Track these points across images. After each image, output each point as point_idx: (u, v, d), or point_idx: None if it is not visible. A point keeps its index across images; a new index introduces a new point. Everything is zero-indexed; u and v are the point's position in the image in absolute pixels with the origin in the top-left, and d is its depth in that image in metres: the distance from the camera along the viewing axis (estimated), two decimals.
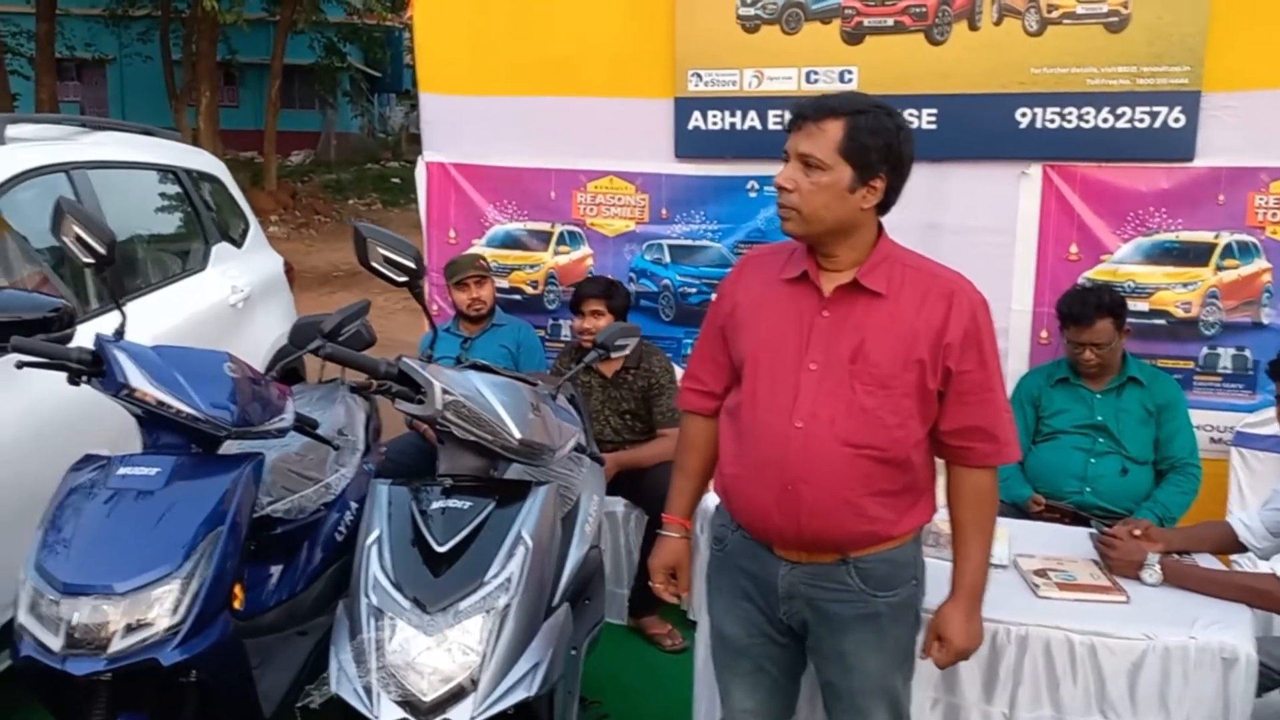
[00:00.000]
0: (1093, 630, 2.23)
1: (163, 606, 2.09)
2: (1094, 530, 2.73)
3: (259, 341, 4.29)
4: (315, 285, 11.80)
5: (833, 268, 1.96)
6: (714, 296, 2.20)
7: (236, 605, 2.29)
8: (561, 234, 4.33)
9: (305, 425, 2.68)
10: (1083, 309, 3.29)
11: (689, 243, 4.17)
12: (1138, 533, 2.57)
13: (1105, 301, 3.30)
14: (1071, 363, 3.41)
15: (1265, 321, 3.57)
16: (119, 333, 2.37)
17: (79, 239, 2.31)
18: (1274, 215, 3.52)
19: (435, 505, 2.19)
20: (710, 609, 2.19)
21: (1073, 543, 2.72)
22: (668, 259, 4.20)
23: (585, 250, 4.31)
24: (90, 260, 2.35)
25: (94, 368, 2.30)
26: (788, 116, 1.93)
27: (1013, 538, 2.65)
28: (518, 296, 4.41)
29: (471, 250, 4.33)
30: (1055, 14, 3.61)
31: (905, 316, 1.91)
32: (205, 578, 2.14)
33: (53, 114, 8.21)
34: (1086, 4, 3.57)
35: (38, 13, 16.95)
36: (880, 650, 2.01)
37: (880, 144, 1.86)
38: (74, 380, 2.33)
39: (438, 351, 4.16)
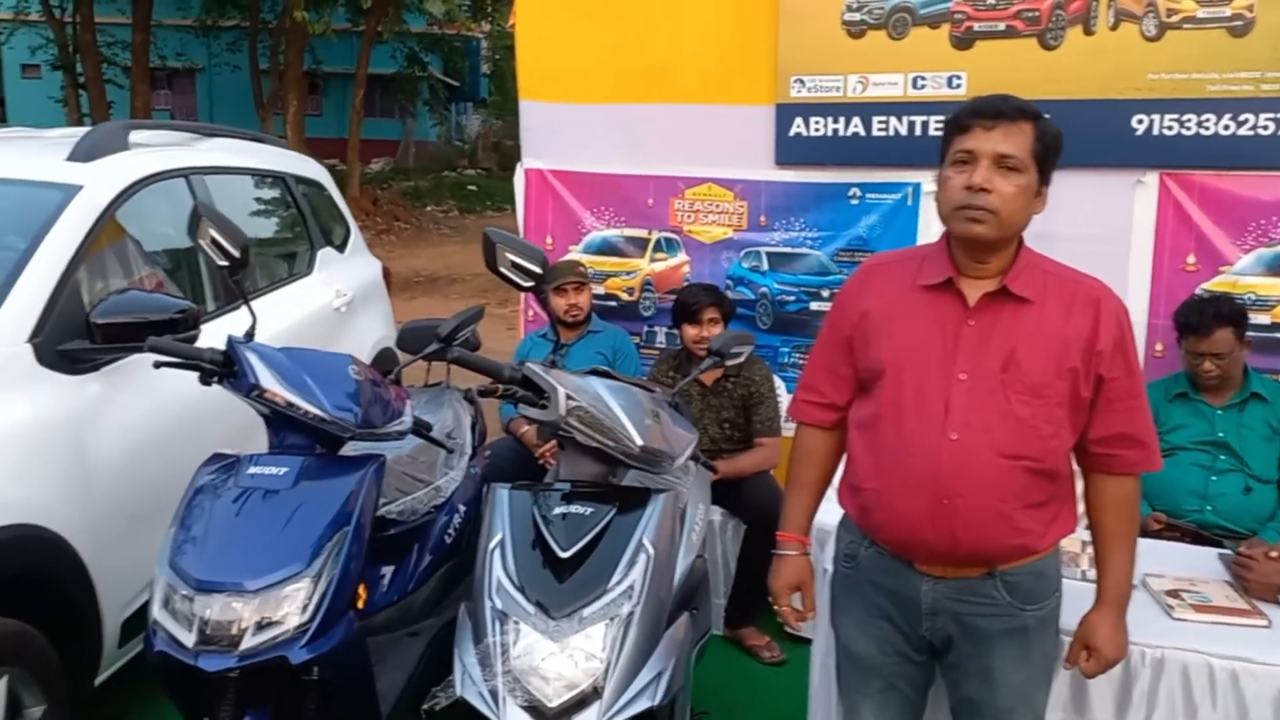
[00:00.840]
0: (1234, 655, 2.14)
1: (292, 605, 2.11)
2: (1226, 551, 2.63)
3: (360, 344, 4.35)
4: (397, 291, 11.85)
5: (978, 275, 1.92)
6: (833, 306, 2.13)
7: (360, 605, 2.31)
8: (658, 241, 4.32)
9: (421, 428, 2.70)
10: (1200, 318, 3.22)
11: (788, 250, 4.14)
12: (1275, 554, 2.48)
13: (1224, 311, 3.22)
14: (1190, 376, 3.31)
15: None
16: (249, 334, 2.42)
17: (215, 242, 2.37)
18: None
19: (557, 510, 2.19)
20: (838, 627, 2.14)
21: (1201, 563, 2.62)
22: (766, 266, 4.17)
23: (682, 257, 4.30)
24: (225, 263, 2.40)
25: (225, 368, 2.35)
26: (962, 116, 1.87)
27: (1139, 557, 2.56)
28: (613, 303, 4.41)
29: (570, 257, 4.35)
30: (1175, 18, 3.51)
31: (1054, 324, 1.88)
32: (333, 577, 2.17)
33: (170, 120, 8.45)
34: (1208, 7, 3.46)
35: (134, 23, 17.54)
36: (1026, 664, 1.97)
37: (1056, 150, 1.89)
38: (205, 380, 2.38)
39: (532, 357, 4.26)
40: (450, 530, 2.97)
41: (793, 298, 4.15)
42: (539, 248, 2.21)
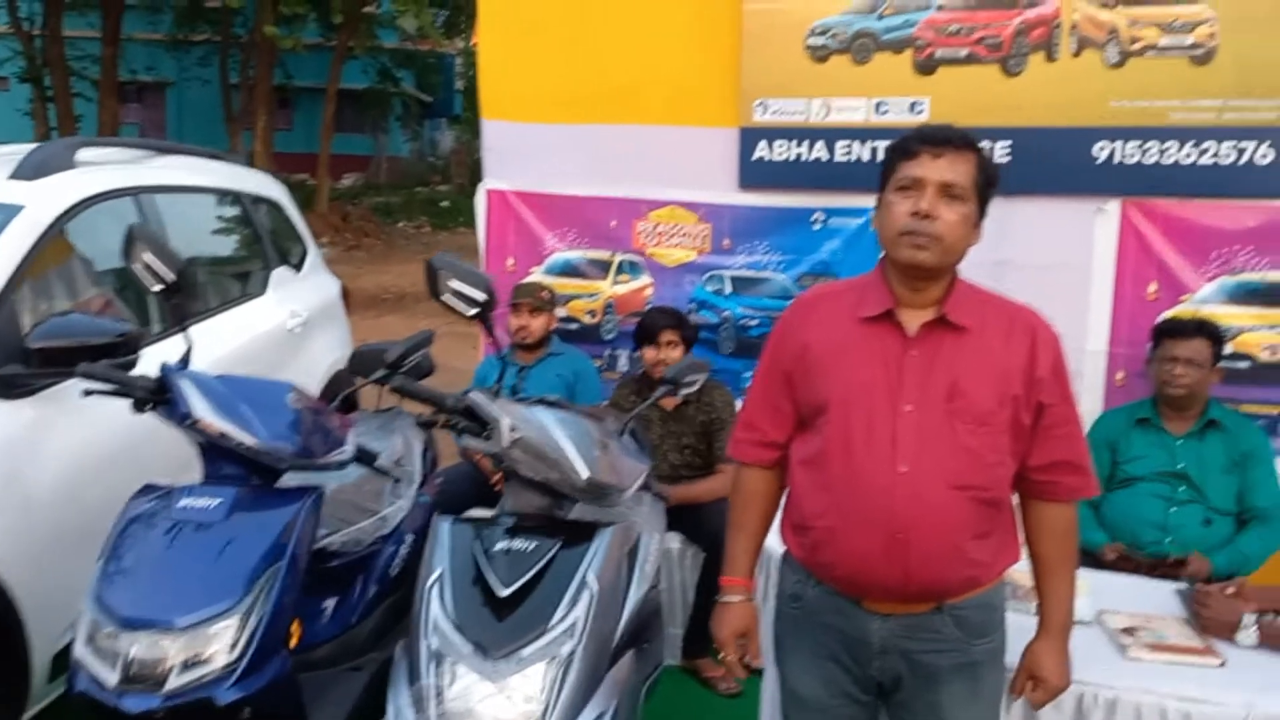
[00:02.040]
0: (1188, 695, 2.10)
1: (221, 643, 2.04)
2: (1183, 587, 2.60)
3: (314, 366, 4.27)
4: (364, 308, 11.84)
5: (916, 304, 1.90)
6: (771, 341, 2.08)
7: (293, 642, 2.23)
8: (621, 263, 4.27)
9: (365, 457, 2.63)
10: (1182, 324, 3.26)
11: (751, 274, 4.10)
12: (1231, 590, 2.45)
13: (1208, 326, 3.24)
14: (1157, 396, 3.29)
15: None
16: (184, 360, 2.34)
17: (148, 266, 2.29)
18: None
19: (499, 546, 2.13)
20: (784, 668, 2.08)
21: (1158, 599, 2.59)
22: (729, 290, 4.13)
23: (645, 280, 4.25)
24: (159, 287, 2.32)
25: (158, 396, 2.27)
26: (909, 143, 1.85)
27: (1095, 591, 2.53)
28: (575, 325, 4.36)
29: (533, 279, 4.29)
30: (1137, 46, 3.50)
31: (994, 351, 1.87)
32: (264, 614, 2.09)
33: (123, 138, 8.33)
34: (1170, 35, 3.46)
35: (103, 37, 17.37)
36: (976, 701, 1.93)
37: (995, 181, 1.88)
38: (138, 408, 2.29)
39: (492, 378, 4.20)
40: (397, 561, 2.89)
41: (756, 322, 4.11)
42: (485, 274, 2.15)
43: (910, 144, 1.85)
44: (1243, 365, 3.52)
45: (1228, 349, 3.45)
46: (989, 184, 1.87)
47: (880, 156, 1.95)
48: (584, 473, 2.15)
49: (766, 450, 2.06)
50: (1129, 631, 2.32)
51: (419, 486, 3.06)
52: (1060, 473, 1.94)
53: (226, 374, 2.38)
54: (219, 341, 3.57)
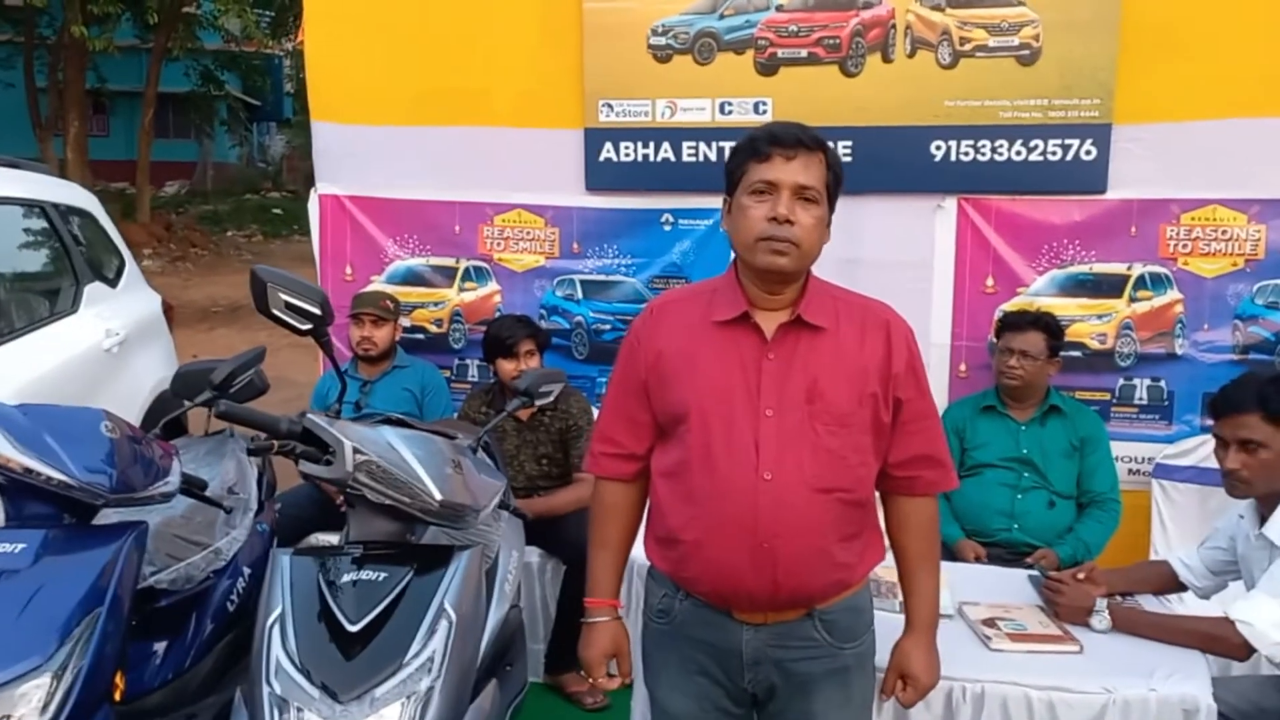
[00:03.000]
0: (1050, 685, 2.13)
1: (29, 705, 1.82)
2: (1035, 574, 2.66)
3: (137, 388, 3.97)
4: (194, 321, 11.23)
5: (771, 306, 1.86)
6: (623, 351, 2.01)
7: (117, 695, 2.02)
8: (467, 270, 4.13)
9: (192, 487, 2.42)
10: (1020, 317, 3.38)
11: (602, 278, 4.02)
12: (1082, 577, 2.51)
13: (1044, 319, 3.36)
14: (998, 386, 3.39)
15: (1179, 352, 3.59)
16: None
17: None
18: (1185, 247, 3.56)
19: (346, 578, 1.97)
20: (654, 686, 2.00)
21: (1013, 586, 2.64)
22: (580, 295, 4.04)
23: (493, 286, 4.12)
24: None
25: None
26: (760, 144, 1.80)
27: (953, 585, 2.55)
28: (421, 336, 4.19)
29: (374, 288, 4.10)
30: (967, 47, 3.60)
31: (850, 350, 1.85)
32: (81, 668, 1.88)
33: None
34: (998, 37, 3.57)
35: None
36: (847, 706, 1.91)
37: (842, 181, 1.86)
38: None
39: (333, 396, 3.98)
40: (234, 596, 2.68)
41: (608, 326, 4.04)
42: (317, 286, 1.99)
43: (761, 145, 1.80)
44: (1076, 354, 3.65)
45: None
46: (838, 183, 1.85)
47: (727, 157, 1.90)
48: (437, 495, 2.02)
49: (626, 463, 1.98)
50: (990, 623, 2.34)
51: (256, 514, 2.85)
52: (920, 467, 1.93)
53: (28, 403, 2.14)
54: (24, 366, 3.26)
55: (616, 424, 1.98)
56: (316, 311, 1.97)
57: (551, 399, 2.55)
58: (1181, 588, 2.56)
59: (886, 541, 2.01)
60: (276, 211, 21.78)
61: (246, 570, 2.75)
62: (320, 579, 1.97)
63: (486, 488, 2.28)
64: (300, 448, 1.97)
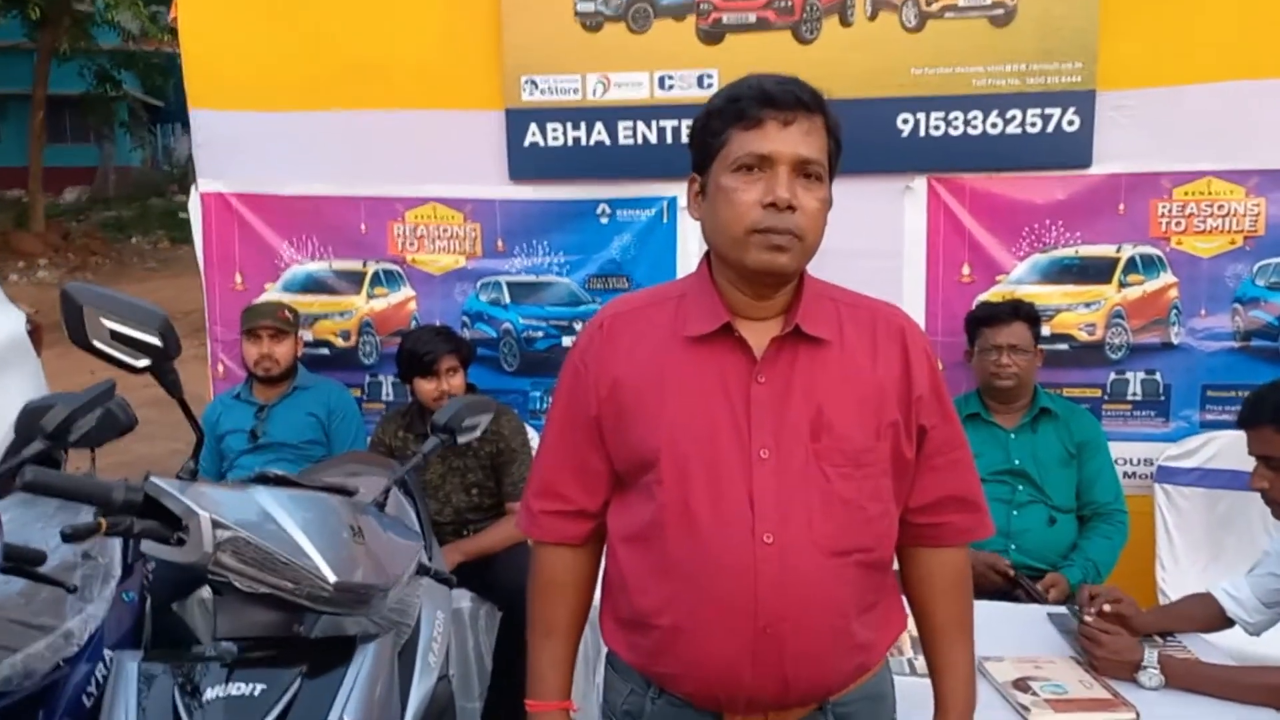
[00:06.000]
0: None
1: None
2: (1059, 611, 2.27)
3: None
4: None
5: (759, 315, 1.44)
6: (565, 377, 1.54)
7: None
8: (376, 274, 3.62)
9: (21, 564, 1.89)
10: (998, 309, 3.04)
11: (532, 279, 3.55)
12: (1107, 608, 2.13)
13: (1022, 308, 3.03)
14: (983, 389, 3.02)
15: (1175, 341, 3.25)
16: None
17: None
18: (1178, 225, 3.21)
19: (212, 693, 1.48)
20: None
21: (1033, 628, 2.25)
22: (507, 299, 3.56)
23: (407, 292, 3.62)
24: None
25: None
26: (747, 105, 1.36)
27: None
28: (325, 351, 3.67)
29: (268, 297, 3.57)
30: (935, 7, 3.20)
31: (861, 368, 1.44)
32: None
33: None
34: None
35: None
36: None
37: (841, 148, 1.44)
38: None
39: (225, 424, 3.46)
40: (91, 688, 2.16)
41: (541, 333, 3.57)
42: (156, 309, 1.48)
43: (749, 107, 1.37)
44: (1063, 347, 3.29)
45: (1045, 331, 3.22)
46: (839, 154, 1.43)
47: (669, 138, 1.47)
48: (330, 576, 1.53)
49: (574, 523, 1.53)
50: (1023, 686, 1.93)
51: (120, 581, 2.33)
52: (950, 511, 1.53)
53: None
54: None
55: (561, 473, 1.53)
56: (155, 341, 1.47)
57: (478, 434, 2.07)
58: (1229, 623, 2.19)
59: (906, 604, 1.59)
60: (184, 216, 20.73)
61: (109, 654, 2.23)
62: (177, 696, 1.48)
63: (398, 554, 1.79)
64: (140, 525, 1.46)
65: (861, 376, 1.43)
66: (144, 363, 1.47)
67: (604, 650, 1.59)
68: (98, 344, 1.44)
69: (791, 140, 1.35)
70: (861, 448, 1.41)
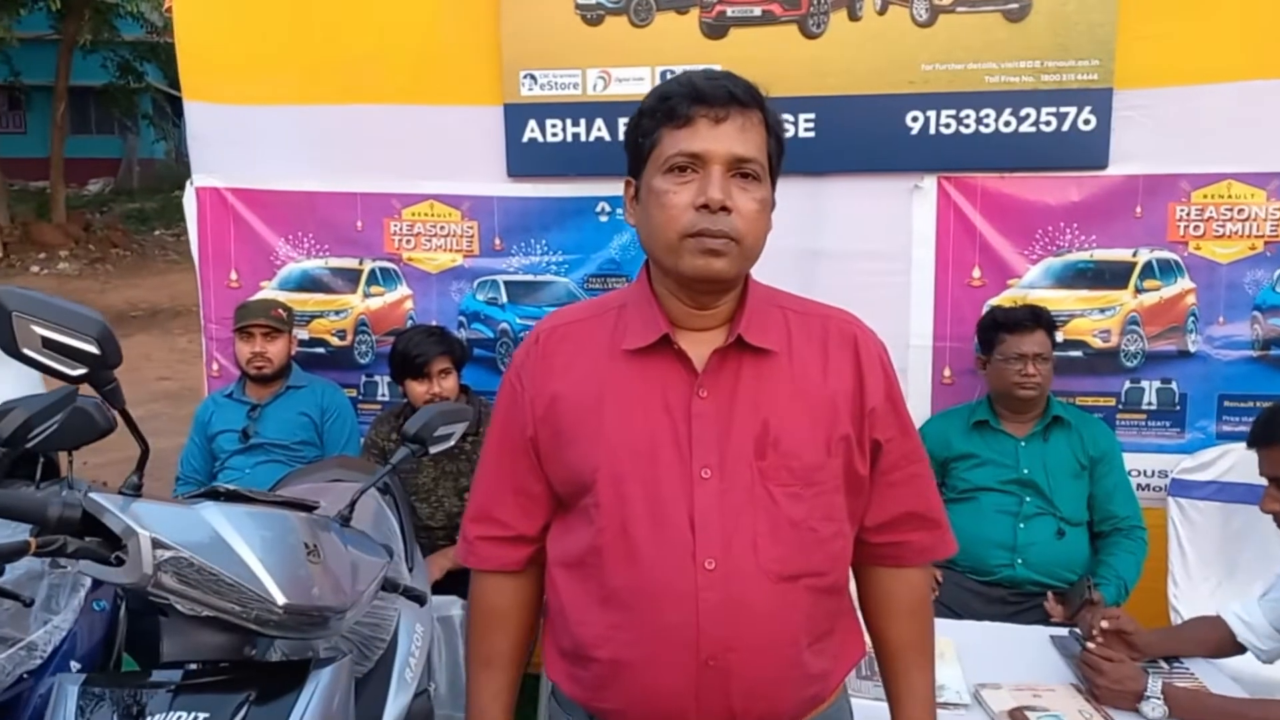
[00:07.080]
0: None
1: None
2: (1060, 634, 2.17)
3: None
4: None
5: (700, 325, 1.37)
6: (502, 396, 1.48)
7: None
8: (373, 272, 3.55)
9: None
10: (1018, 316, 2.92)
11: (529, 278, 3.47)
12: (1106, 625, 2.04)
13: (1041, 314, 2.94)
14: (1002, 395, 2.93)
15: (1192, 349, 3.13)
16: None
17: None
18: (1197, 229, 3.09)
19: (154, 719, 1.41)
20: None
21: (1033, 653, 2.15)
22: (504, 298, 3.48)
23: (403, 291, 3.54)
24: None
25: None
26: (677, 102, 1.30)
27: (964, 659, 2.05)
28: (321, 350, 3.60)
29: (264, 295, 3.51)
30: (947, 1, 3.09)
31: (810, 379, 1.36)
32: None
33: None
34: None
35: None
36: None
37: (784, 144, 1.38)
38: None
39: (216, 423, 3.40)
40: None
41: None
42: (94, 314, 1.41)
43: (679, 105, 1.30)
44: (1076, 354, 3.18)
45: (1059, 337, 3.11)
46: (780, 152, 1.37)
47: (630, 123, 1.39)
48: (279, 598, 1.46)
49: (512, 549, 1.46)
50: (1019, 717, 1.84)
51: (91, 590, 2.27)
52: (908, 529, 1.45)
53: None
54: None
55: (497, 497, 1.46)
56: (92, 350, 1.39)
57: (451, 444, 1.99)
58: (1240, 649, 2.09)
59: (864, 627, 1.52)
60: None
61: (75, 666, 2.18)
62: None
63: (361, 571, 1.72)
64: (74, 544, 1.39)
65: (811, 389, 1.36)
66: (79, 371, 1.40)
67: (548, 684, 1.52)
68: (28, 352, 1.36)
69: (725, 138, 1.28)
70: (811, 465, 1.33)
